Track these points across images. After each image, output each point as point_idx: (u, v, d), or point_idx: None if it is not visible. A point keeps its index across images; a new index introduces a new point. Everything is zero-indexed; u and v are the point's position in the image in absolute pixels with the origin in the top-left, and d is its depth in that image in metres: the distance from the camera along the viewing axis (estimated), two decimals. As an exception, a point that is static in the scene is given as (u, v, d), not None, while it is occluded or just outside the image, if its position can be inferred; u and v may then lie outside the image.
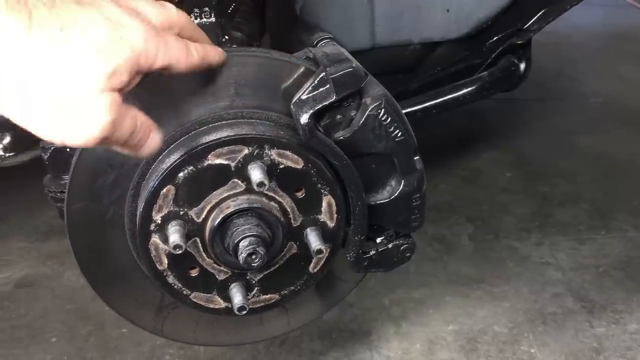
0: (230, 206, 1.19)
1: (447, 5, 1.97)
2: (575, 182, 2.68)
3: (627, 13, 5.11)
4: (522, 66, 2.00)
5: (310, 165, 1.20)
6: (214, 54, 1.11)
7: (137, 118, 0.94)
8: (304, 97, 1.16)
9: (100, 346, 1.88)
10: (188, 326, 1.43)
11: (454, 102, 1.94)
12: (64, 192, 1.24)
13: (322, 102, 1.16)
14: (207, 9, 1.40)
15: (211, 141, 1.16)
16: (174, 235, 1.16)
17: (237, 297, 1.26)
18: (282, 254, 1.27)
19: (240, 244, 1.18)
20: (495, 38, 1.99)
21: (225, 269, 1.26)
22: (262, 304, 1.33)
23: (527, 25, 1.96)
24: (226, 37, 1.47)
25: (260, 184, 1.14)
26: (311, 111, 1.15)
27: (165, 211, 1.17)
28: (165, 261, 1.22)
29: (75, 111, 0.85)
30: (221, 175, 1.17)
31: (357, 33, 1.95)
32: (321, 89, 1.16)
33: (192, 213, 1.19)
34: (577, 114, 3.34)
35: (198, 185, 1.17)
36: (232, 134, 1.17)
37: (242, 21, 1.60)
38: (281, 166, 1.19)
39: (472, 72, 1.98)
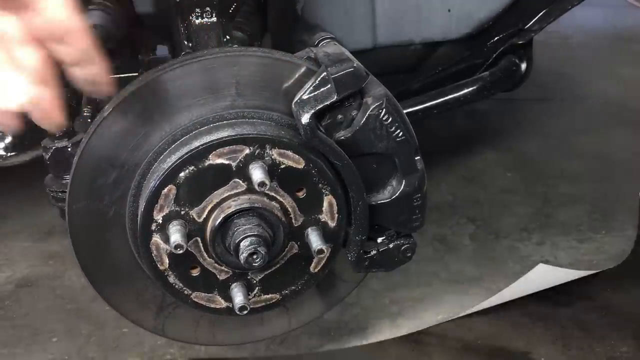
0: (232, 206, 1.19)
1: (448, 5, 1.97)
2: (575, 183, 2.68)
3: (628, 13, 5.10)
4: (523, 66, 2.00)
5: (311, 165, 1.20)
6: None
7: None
8: (305, 96, 1.16)
9: (100, 345, 1.88)
10: (189, 326, 1.43)
11: (455, 102, 1.94)
12: (65, 192, 1.24)
13: (323, 102, 1.16)
14: (208, 8, 1.40)
15: (212, 141, 1.16)
16: (175, 235, 1.16)
17: (238, 296, 1.26)
18: (283, 253, 1.27)
19: (242, 243, 1.18)
20: (496, 38, 1.99)
21: (226, 269, 1.26)
22: (263, 303, 1.33)
23: (528, 26, 1.96)
24: (227, 37, 1.47)
25: (262, 184, 1.14)
26: (312, 111, 1.16)
27: (166, 211, 1.18)
28: (166, 261, 1.22)
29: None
30: (222, 175, 1.18)
31: (358, 33, 1.95)
32: (322, 89, 1.16)
33: (193, 213, 1.19)
34: (577, 114, 3.34)
35: (199, 185, 1.17)
36: (233, 134, 1.17)
37: (244, 21, 1.60)
38: (282, 166, 1.19)
39: (473, 72, 1.98)
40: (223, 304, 1.30)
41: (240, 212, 1.19)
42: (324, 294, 1.47)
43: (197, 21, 1.42)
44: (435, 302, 2.02)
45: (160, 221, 1.18)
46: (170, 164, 1.16)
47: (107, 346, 1.88)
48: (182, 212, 1.18)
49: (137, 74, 1.58)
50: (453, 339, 1.90)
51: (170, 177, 1.16)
